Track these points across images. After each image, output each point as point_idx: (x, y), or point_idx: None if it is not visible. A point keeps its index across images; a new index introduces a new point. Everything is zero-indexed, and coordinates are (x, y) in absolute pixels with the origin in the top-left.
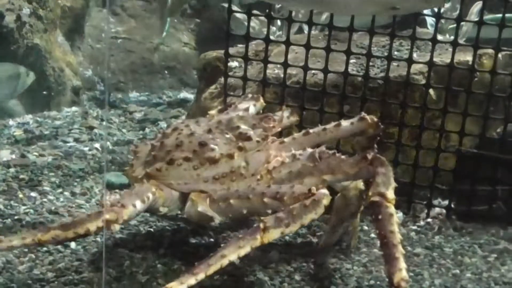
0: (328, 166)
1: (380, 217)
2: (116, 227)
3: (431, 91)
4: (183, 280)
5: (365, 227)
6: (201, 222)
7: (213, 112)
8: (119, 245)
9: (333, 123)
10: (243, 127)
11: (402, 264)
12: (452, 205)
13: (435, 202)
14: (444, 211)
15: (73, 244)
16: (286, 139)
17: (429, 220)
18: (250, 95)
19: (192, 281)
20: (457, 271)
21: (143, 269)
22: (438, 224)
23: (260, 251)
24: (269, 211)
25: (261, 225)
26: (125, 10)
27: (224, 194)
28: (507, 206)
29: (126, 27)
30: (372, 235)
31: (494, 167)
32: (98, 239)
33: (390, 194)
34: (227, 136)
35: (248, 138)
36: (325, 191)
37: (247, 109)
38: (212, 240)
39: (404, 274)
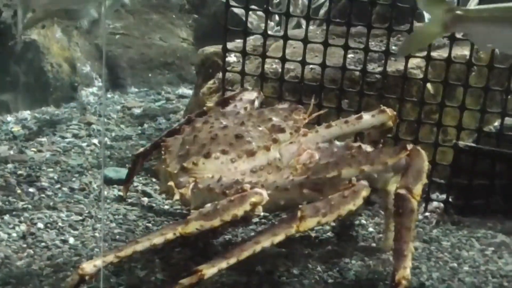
0: (367, 156)
1: (401, 211)
2: (260, 209)
3: (428, 85)
4: (214, 264)
5: (363, 221)
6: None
7: (210, 104)
8: (117, 240)
9: (354, 116)
10: (276, 119)
11: (408, 263)
12: (450, 199)
13: (433, 196)
14: (442, 205)
15: (71, 240)
16: (309, 132)
17: (427, 214)
18: (249, 88)
19: (224, 264)
20: (455, 264)
21: (142, 263)
22: (436, 218)
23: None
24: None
25: (299, 214)
26: (123, 6)
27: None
28: (505, 199)
29: (124, 23)
30: (370, 229)
31: (492, 161)
32: (96, 234)
33: (417, 190)
34: (260, 128)
35: (282, 130)
36: (365, 182)
37: (252, 102)
38: (210, 234)
39: (407, 273)
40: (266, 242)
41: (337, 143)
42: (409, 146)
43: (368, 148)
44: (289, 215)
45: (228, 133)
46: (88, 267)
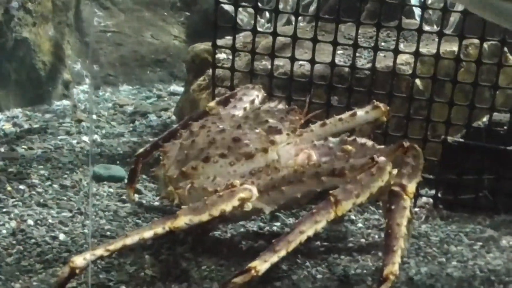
0: (364, 154)
1: (393, 207)
2: (249, 205)
3: (417, 81)
4: (266, 258)
5: (352, 217)
6: (245, 217)
7: (212, 104)
8: (106, 236)
9: (348, 113)
10: (272, 121)
11: (397, 259)
12: (439, 195)
13: (422, 191)
14: (431, 200)
15: (61, 236)
16: (304, 132)
17: (416, 209)
18: (250, 86)
19: (275, 258)
20: (443, 259)
21: (131, 259)
22: (425, 213)
23: (247, 240)
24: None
25: (332, 199)
26: (115, 4)
27: (273, 183)
28: (493, 195)
29: (115, 21)
30: (360, 224)
31: (480, 157)
32: (86, 230)
33: (411, 187)
34: (257, 130)
35: (279, 132)
36: (385, 158)
37: (252, 101)
38: (199, 231)
39: (395, 268)
40: (310, 231)
41: (332, 139)
42: (406, 144)
43: (362, 141)
44: (322, 202)
45: (225, 137)
46: (79, 260)
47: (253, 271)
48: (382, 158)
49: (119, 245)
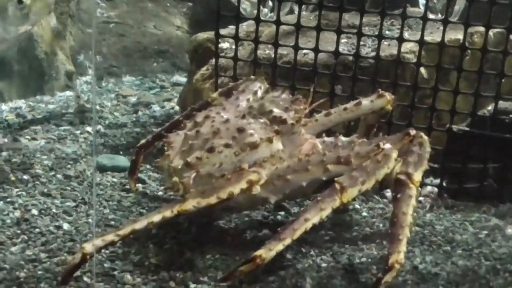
0: (371, 143)
1: (399, 196)
2: (258, 188)
3: (422, 69)
4: (271, 247)
5: (357, 206)
6: (251, 207)
7: (214, 95)
8: (110, 225)
9: (353, 102)
10: (276, 111)
11: (403, 247)
12: (444, 184)
13: (427, 180)
14: (435, 189)
15: (65, 226)
16: (309, 121)
17: (421, 198)
18: (253, 77)
19: (280, 246)
20: (448, 248)
21: (135, 248)
22: (430, 202)
23: (252, 229)
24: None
25: (337, 186)
26: None
27: (278, 172)
28: (498, 183)
29: (118, 12)
30: (364, 213)
31: (485, 145)
32: (90, 220)
33: (417, 176)
34: (261, 120)
35: (284, 121)
36: (390, 145)
37: (255, 93)
38: (204, 219)
39: (401, 257)
40: (315, 218)
41: (342, 138)
42: (412, 132)
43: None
44: (327, 190)
45: (230, 127)
46: (89, 246)
47: (258, 260)
48: (387, 145)
49: (128, 230)
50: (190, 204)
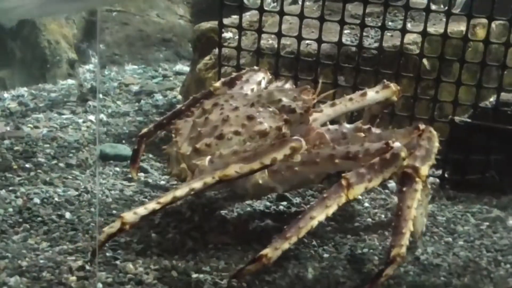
0: (380, 137)
1: (404, 189)
2: (298, 157)
3: (424, 61)
4: (277, 246)
5: (359, 196)
6: (258, 196)
7: (217, 84)
8: (113, 215)
9: (358, 92)
10: (285, 100)
11: (405, 241)
12: (446, 175)
13: (429, 171)
14: (437, 180)
15: (68, 214)
16: (314, 111)
17: None
18: (256, 68)
19: (286, 245)
20: (450, 239)
21: (138, 238)
22: (432, 193)
23: (254, 218)
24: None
25: (344, 182)
26: None
27: (287, 163)
28: (500, 175)
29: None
30: (366, 204)
31: (488, 137)
32: (92, 209)
33: (424, 170)
34: (270, 109)
35: (293, 111)
36: (400, 144)
37: (259, 83)
38: (206, 209)
39: (403, 250)
40: (321, 216)
41: (347, 125)
42: (422, 126)
43: (377, 131)
44: (333, 185)
45: (239, 114)
46: (129, 215)
47: (264, 259)
48: (397, 144)
49: (169, 197)
50: (233, 169)
